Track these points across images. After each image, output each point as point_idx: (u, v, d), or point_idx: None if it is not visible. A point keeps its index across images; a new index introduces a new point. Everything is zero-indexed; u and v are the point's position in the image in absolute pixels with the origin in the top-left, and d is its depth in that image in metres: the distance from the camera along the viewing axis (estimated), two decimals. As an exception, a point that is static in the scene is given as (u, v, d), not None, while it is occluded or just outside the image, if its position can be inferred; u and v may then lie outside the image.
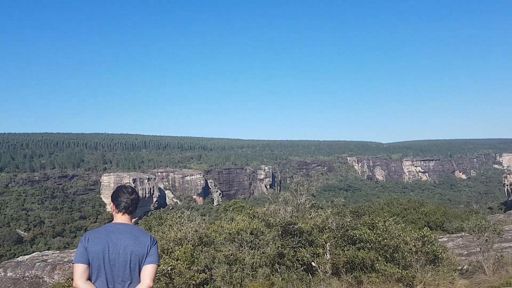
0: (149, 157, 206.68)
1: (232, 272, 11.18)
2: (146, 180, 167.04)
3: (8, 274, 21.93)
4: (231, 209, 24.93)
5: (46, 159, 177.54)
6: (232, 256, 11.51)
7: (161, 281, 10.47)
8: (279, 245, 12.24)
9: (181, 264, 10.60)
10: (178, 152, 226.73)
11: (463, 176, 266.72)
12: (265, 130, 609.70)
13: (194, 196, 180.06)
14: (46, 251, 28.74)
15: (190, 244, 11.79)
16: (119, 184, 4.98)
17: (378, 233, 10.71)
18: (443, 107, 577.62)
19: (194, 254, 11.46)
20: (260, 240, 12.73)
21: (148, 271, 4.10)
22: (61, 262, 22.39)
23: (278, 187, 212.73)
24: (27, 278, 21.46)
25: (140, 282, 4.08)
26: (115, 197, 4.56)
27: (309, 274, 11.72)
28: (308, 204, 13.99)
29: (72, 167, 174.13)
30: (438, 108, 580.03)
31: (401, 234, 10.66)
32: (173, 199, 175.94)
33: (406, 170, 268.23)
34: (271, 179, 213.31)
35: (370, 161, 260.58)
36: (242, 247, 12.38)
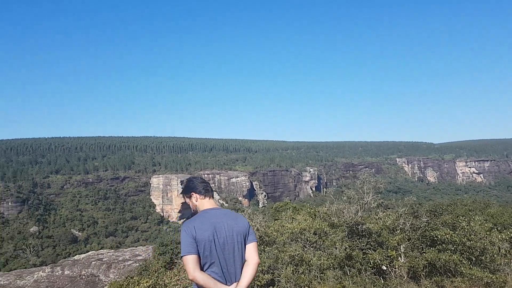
0: (196, 159, 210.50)
1: (298, 274, 10.50)
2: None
3: (66, 272, 22.56)
4: (288, 209, 24.23)
5: (99, 162, 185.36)
6: (297, 257, 10.83)
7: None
8: (347, 246, 11.43)
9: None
10: (223, 154, 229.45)
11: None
12: (310, 132, 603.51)
13: (240, 198, 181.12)
14: (101, 250, 29.47)
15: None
16: (187, 178, 4.83)
17: (462, 234, 9.68)
18: (498, 105, 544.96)
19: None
20: (324, 241, 11.98)
21: (253, 248, 4.23)
22: (115, 261, 22.74)
23: (324, 189, 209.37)
24: (83, 277, 21.96)
25: (246, 260, 4.18)
26: (194, 186, 4.58)
27: (382, 278, 10.83)
28: (374, 203, 13.07)
29: (124, 169, 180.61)
30: (493, 106, 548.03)
31: (487, 235, 9.58)
32: (219, 200, 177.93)
33: (459, 171, 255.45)
34: (316, 181, 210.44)
35: (421, 162, 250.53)
36: (305, 247, 11.70)
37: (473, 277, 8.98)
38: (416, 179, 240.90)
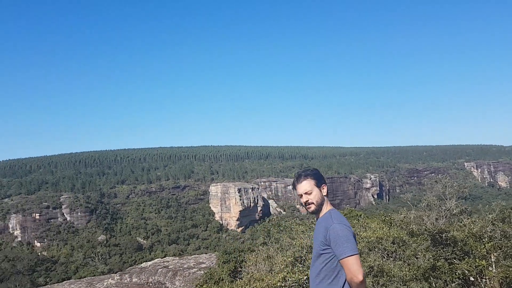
0: (252, 167, 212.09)
1: (379, 286, 9.79)
2: (250, 190, 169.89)
3: (134, 280, 23.20)
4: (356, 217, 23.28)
5: (161, 171, 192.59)
6: (377, 267, 10.11)
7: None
8: (430, 256, 10.52)
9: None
10: (279, 162, 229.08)
11: None
12: (369, 137, 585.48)
13: (298, 206, 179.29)
14: (166, 257, 30.06)
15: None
16: (311, 168, 4.52)
17: None
18: None
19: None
20: (404, 251, 11.14)
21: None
22: (181, 268, 23.02)
23: (387, 197, 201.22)
24: (150, 284, 22.43)
25: None
26: (325, 179, 4.38)
27: (472, 291, 9.83)
28: (457, 209, 11.99)
29: (184, 178, 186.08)
30: None
31: None
32: (276, 208, 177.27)
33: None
34: (378, 188, 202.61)
35: (491, 166, 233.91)
36: (383, 257, 10.93)
37: None
38: (486, 184, 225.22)
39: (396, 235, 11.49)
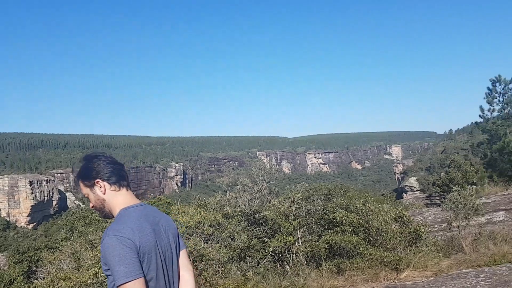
0: (47, 157, 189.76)
1: (198, 270, 9.59)
2: (45, 182, 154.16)
3: None
4: (159, 205, 22.82)
5: None
6: (196, 252, 9.91)
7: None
8: (245, 236, 10.94)
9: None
10: (79, 151, 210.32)
11: (359, 166, 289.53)
12: (175, 127, 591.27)
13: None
14: None
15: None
16: (85, 155, 2.76)
17: (359, 215, 10.05)
18: (340, 103, 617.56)
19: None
20: (221, 233, 11.29)
21: (187, 256, 2.88)
22: None
23: (190, 184, 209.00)
24: None
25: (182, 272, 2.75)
26: (99, 169, 2.60)
27: (283, 265, 10.64)
28: (267, 190, 12.95)
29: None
30: (335, 104, 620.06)
31: (382, 214, 10.13)
32: (75, 201, 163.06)
33: (309, 162, 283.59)
34: (182, 176, 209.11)
35: (278, 155, 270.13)
36: (203, 241, 10.84)
37: (372, 257, 9.30)
38: (274, 171, 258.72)
39: (213, 218, 11.52)
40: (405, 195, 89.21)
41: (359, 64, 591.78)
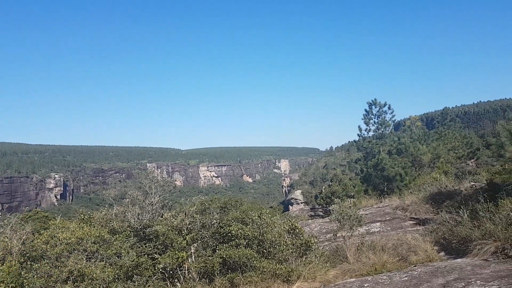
0: None
1: (79, 293, 8.66)
2: None
3: None
4: (36, 220, 20.40)
5: None
6: (77, 272, 8.94)
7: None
8: (134, 253, 10.15)
9: (5, 289, 7.62)
10: None
11: (250, 180, 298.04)
12: (56, 134, 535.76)
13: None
14: None
15: (15, 260, 8.72)
16: None
17: (255, 227, 10.02)
18: (229, 118, 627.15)
19: (23, 273, 8.52)
20: (106, 250, 10.35)
21: None
22: None
23: (71, 197, 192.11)
24: None
25: None
26: None
27: (174, 283, 10.07)
28: (160, 204, 12.22)
29: None
30: (229, 118, 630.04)
31: (275, 226, 10.26)
32: None
33: (202, 175, 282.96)
34: (62, 188, 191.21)
35: (170, 167, 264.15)
36: (85, 260, 9.81)
37: (264, 270, 9.33)
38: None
39: (97, 234, 10.52)
40: (291, 207, 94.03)
41: (248, 84, 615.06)
